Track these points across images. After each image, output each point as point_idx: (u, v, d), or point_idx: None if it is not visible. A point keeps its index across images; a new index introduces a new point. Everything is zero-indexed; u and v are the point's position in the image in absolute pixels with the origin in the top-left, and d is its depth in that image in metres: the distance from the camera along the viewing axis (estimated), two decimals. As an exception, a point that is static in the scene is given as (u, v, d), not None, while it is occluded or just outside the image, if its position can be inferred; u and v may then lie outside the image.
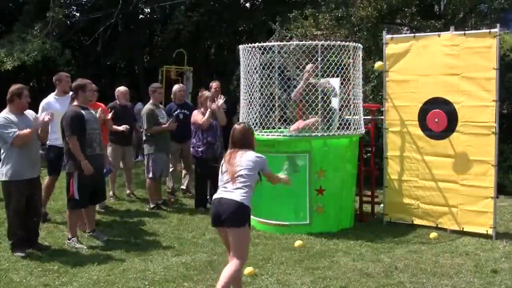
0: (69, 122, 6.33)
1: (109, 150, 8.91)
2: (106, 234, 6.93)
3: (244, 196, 4.55)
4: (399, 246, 6.45)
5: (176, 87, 9.32)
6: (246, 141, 4.77)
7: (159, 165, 8.38)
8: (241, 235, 4.55)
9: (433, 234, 6.83)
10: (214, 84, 9.07)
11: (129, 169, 9.28)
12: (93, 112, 6.77)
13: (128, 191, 9.31)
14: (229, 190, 4.59)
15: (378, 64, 5.57)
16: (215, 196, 4.69)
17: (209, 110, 8.00)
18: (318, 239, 6.73)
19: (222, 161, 4.82)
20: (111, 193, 8.95)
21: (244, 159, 4.65)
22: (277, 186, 7.02)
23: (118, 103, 8.87)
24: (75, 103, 6.53)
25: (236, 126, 4.89)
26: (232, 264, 4.54)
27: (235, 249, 4.57)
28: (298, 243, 6.49)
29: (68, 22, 17.22)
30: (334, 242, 6.63)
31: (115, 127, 8.30)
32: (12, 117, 6.06)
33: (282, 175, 5.18)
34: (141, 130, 9.01)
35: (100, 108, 7.87)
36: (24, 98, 6.18)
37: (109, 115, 8.01)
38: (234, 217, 4.51)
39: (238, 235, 4.53)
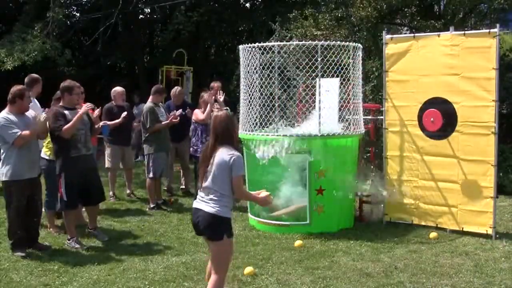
0: (52, 119, 6.30)
1: (108, 150, 8.92)
2: (106, 234, 6.93)
3: (218, 206, 4.21)
4: (399, 246, 6.46)
5: (173, 90, 9.42)
6: (228, 134, 4.24)
7: (159, 165, 8.38)
8: (220, 247, 4.26)
9: (433, 234, 6.83)
10: (215, 85, 9.08)
11: (129, 169, 9.28)
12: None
13: (128, 191, 9.31)
14: (204, 200, 4.27)
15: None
16: (194, 204, 4.39)
17: (209, 104, 8.00)
18: (318, 239, 6.73)
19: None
20: (111, 193, 8.95)
21: (216, 160, 4.20)
22: (277, 185, 7.14)
23: (114, 103, 8.83)
24: (60, 103, 6.51)
25: (218, 114, 4.30)
26: (211, 281, 4.31)
27: (214, 262, 4.32)
28: (298, 243, 6.50)
29: (68, 22, 17.20)
30: (334, 242, 6.64)
31: (100, 124, 7.49)
32: (12, 118, 6.05)
33: (261, 193, 4.45)
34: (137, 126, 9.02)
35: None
36: (26, 100, 6.17)
37: (96, 112, 7.48)
38: (210, 230, 4.25)
39: (217, 248, 4.27)
